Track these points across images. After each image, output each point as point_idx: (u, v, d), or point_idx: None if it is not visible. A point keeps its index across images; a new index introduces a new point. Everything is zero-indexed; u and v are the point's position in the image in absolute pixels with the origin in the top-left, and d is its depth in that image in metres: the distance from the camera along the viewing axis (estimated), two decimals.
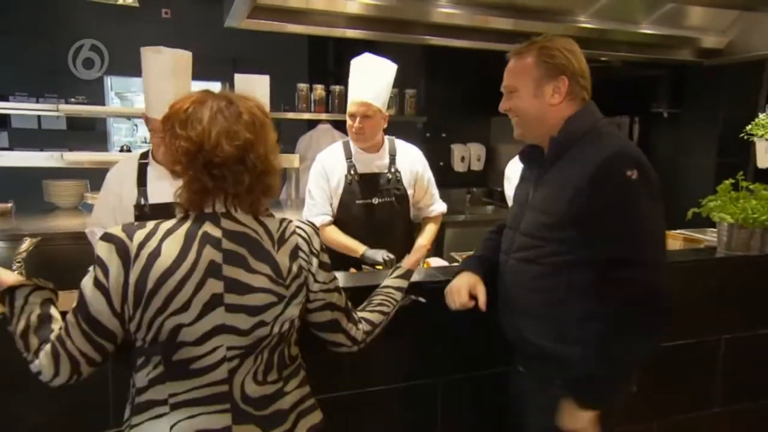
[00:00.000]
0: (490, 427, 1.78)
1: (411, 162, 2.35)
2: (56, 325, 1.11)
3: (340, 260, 2.18)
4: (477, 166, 4.62)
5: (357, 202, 2.27)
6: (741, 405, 2.18)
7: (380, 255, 2.11)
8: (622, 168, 1.27)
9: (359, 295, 1.45)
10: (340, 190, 2.28)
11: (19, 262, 1.37)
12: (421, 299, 1.56)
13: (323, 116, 4.34)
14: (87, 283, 1.06)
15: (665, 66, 3.95)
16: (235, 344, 1.09)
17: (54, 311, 1.14)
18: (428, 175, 2.41)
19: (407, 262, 1.59)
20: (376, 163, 2.30)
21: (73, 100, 4.92)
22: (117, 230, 1.07)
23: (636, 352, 1.31)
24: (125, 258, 1.04)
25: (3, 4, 5.48)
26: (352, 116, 2.22)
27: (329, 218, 2.27)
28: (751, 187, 2.17)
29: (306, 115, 4.31)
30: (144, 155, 1.95)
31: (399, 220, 2.33)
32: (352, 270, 2.17)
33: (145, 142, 6.77)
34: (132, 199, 1.85)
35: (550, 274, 1.36)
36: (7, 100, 4.79)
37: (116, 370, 1.33)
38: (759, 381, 2.19)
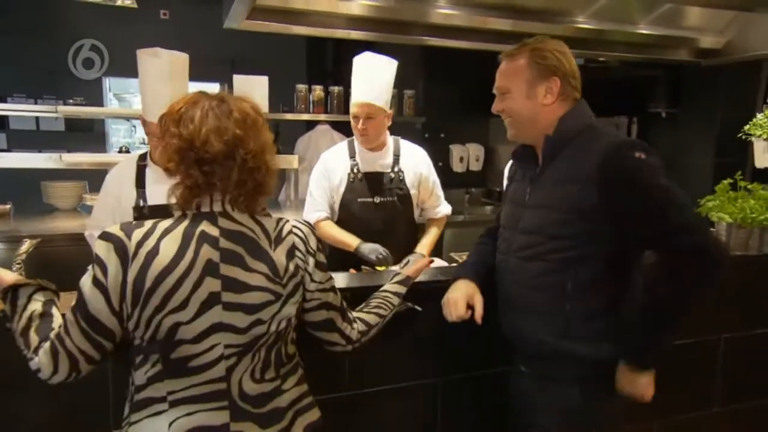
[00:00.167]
0: (490, 427, 1.78)
1: (415, 163, 2.35)
2: (57, 325, 1.12)
3: (340, 261, 2.19)
4: (476, 166, 4.63)
5: (359, 200, 2.28)
6: (741, 404, 2.18)
7: (374, 249, 2.13)
8: (631, 151, 1.30)
9: (359, 295, 1.46)
10: (342, 188, 2.29)
11: (18, 263, 1.37)
12: (417, 308, 1.57)
13: (322, 117, 4.34)
14: (86, 281, 1.07)
15: (663, 66, 3.96)
16: (233, 342, 1.10)
17: (55, 311, 1.15)
18: (433, 177, 2.41)
19: (408, 270, 1.59)
20: (380, 162, 2.31)
21: (71, 101, 4.91)
22: (115, 229, 1.08)
23: (687, 310, 1.32)
24: (123, 257, 1.05)
25: (2, 5, 5.47)
26: (356, 118, 2.24)
27: (325, 215, 2.30)
28: (749, 186, 2.18)
29: (305, 116, 4.30)
30: (143, 157, 1.95)
31: (401, 220, 2.33)
32: (352, 270, 2.17)
33: (143, 143, 6.75)
34: (131, 200, 1.85)
35: (556, 271, 1.37)
36: (5, 101, 4.78)
37: (116, 370, 1.33)
38: (759, 380, 2.20)
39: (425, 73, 4.46)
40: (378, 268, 2.14)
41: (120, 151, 5.90)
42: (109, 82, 6.25)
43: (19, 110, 4.15)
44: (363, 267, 2.19)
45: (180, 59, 1.89)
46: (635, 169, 1.29)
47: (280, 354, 1.18)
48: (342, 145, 2.38)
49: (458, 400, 1.76)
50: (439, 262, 2.27)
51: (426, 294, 1.58)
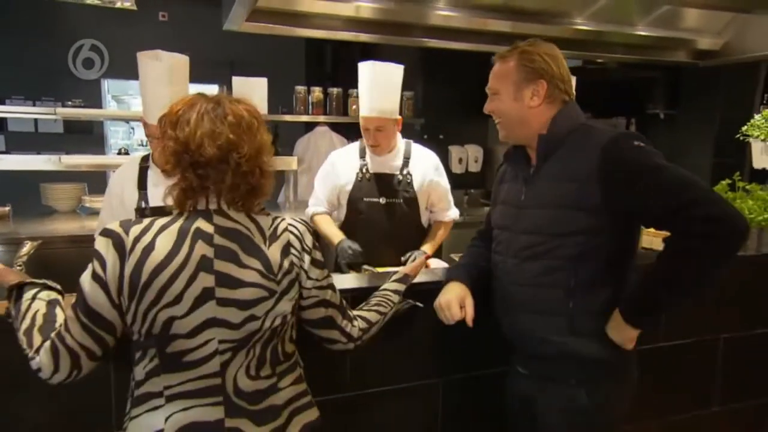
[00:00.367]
0: (491, 428, 1.78)
1: (424, 168, 2.36)
2: (59, 324, 1.12)
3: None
4: (474, 167, 4.64)
5: (365, 199, 2.30)
6: (740, 404, 2.19)
7: (343, 249, 2.21)
8: (629, 142, 1.31)
9: (361, 296, 1.46)
10: (349, 187, 2.31)
11: (20, 265, 1.37)
12: (419, 304, 1.57)
13: (321, 118, 4.35)
14: (85, 277, 1.09)
15: (661, 67, 3.98)
16: (227, 338, 1.11)
17: (59, 311, 1.16)
18: (444, 182, 2.42)
19: (408, 267, 1.60)
20: (389, 163, 2.33)
21: (70, 103, 4.91)
22: (114, 225, 1.10)
23: (703, 283, 1.29)
24: (121, 251, 1.07)
25: (2, 5, 5.48)
26: (366, 130, 2.26)
27: (323, 209, 2.38)
28: (747, 187, 2.19)
29: (304, 118, 4.31)
30: (145, 158, 1.96)
31: (407, 222, 2.33)
32: (353, 271, 2.18)
33: (142, 145, 6.76)
34: (133, 202, 1.86)
35: (559, 268, 1.37)
36: (3, 103, 4.78)
37: (118, 370, 1.33)
38: (758, 380, 2.20)
39: (424, 74, 4.48)
40: (378, 269, 2.15)
41: (119, 153, 5.90)
42: (107, 84, 6.26)
43: (18, 112, 4.14)
44: (364, 267, 2.20)
45: (180, 62, 1.90)
46: (635, 155, 1.29)
47: (276, 351, 1.19)
48: (353, 146, 2.42)
49: (459, 401, 1.77)
50: (439, 263, 2.28)
51: (427, 294, 1.58)
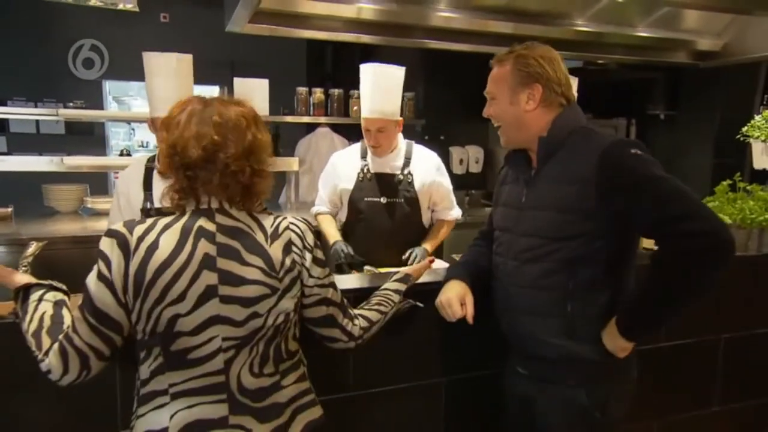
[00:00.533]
0: (495, 427, 1.78)
1: (426, 169, 2.37)
2: (67, 326, 1.13)
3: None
4: (475, 168, 4.64)
5: (365, 199, 2.32)
6: (740, 404, 2.19)
7: (336, 251, 2.25)
8: (626, 149, 1.32)
9: (363, 297, 1.47)
10: (350, 187, 2.33)
11: (25, 265, 1.38)
12: (419, 304, 1.57)
13: (322, 119, 4.36)
14: (91, 278, 1.10)
15: (661, 68, 3.99)
16: (230, 335, 1.12)
17: (66, 312, 1.17)
18: (447, 183, 2.43)
19: (411, 268, 1.61)
20: (390, 164, 2.34)
21: (71, 104, 4.92)
22: (118, 226, 1.12)
23: (689, 298, 1.28)
24: (125, 250, 1.09)
25: (2, 6, 5.49)
26: (368, 131, 2.27)
27: (325, 209, 2.43)
28: (748, 187, 2.20)
29: (305, 119, 4.32)
30: (151, 159, 1.97)
31: (408, 222, 2.34)
32: (354, 272, 2.19)
33: (142, 146, 6.77)
34: (138, 202, 1.87)
35: (558, 271, 1.38)
36: (5, 104, 4.78)
37: (123, 370, 1.34)
38: (758, 380, 2.21)
39: (425, 75, 4.48)
40: (380, 269, 2.15)
41: (121, 154, 5.90)
42: (108, 86, 6.27)
43: (20, 113, 4.15)
44: (366, 268, 2.21)
45: (185, 59, 1.94)
46: (633, 163, 1.30)
47: (280, 349, 1.20)
48: (355, 147, 2.44)
49: (462, 400, 1.77)
50: (439, 263, 2.29)
51: (428, 294, 1.59)
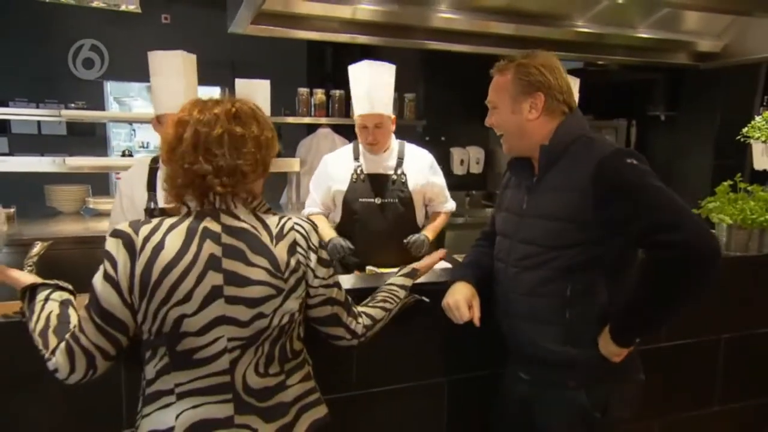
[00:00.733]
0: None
1: (419, 168, 2.39)
2: (73, 325, 1.14)
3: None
4: (476, 169, 4.65)
5: (360, 200, 2.32)
6: (741, 404, 2.20)
7: (341, 244, 2.24)
8: (622, 159, 1.32)
9: (365, 297, 1.47)
10: (344, 188, 2.33)
11: (30, 265, 1.38)
12: (425, 299, 1.57)
13: (323, 120, 4.36)
14: (97, 278, 1.11)
15: (662, 69, 3.99)
16: (236, 335, 1.13)
17: (72, 312, 1.18)
18: (440, 180, 2.46)
19: (419, 263, 1.61)
20: (383, 164, 2.35)
21: (73, 105, 4.93)
22: (124, 226, 1.13)
23: (674, 307, 1.30)
24: (131, 251, 1.10)
25: (2, 6, 5.49)
26: (365, 128, 2.27)
27: (317, 210, 2.44)
28: (748, 188, 2.21)
29: (306, 120, 4.32)
30: (155, 160, 1.98)
31: (403, 222, 2.36)
32: (357, 272, 2.20)
33: (143, 147, 6.77)
34: (142, 202, 1.88)
35: (556, 279, 1.38)
36: (6, 105, 4.79)
37: (129, 370, 1.34)
38: (759, 380, 2.22)
39: (426, 76, 4.49)
40: (381, 269, 2.16)
41: (123, 155, 5.91)
42: (109, 86, 6.28)
43: (23, 114, 4.16)
44: (369, 268, 2.21)
45: (189, 58, 1.96)
46: (627, 172, 1.30)
47: (285, 349, 1.21)
48: (347, 148, 2.44)
49: (465, 400, 1.78)
50: (441, 264, 2.29)
51: (430, 294, 1.59)
